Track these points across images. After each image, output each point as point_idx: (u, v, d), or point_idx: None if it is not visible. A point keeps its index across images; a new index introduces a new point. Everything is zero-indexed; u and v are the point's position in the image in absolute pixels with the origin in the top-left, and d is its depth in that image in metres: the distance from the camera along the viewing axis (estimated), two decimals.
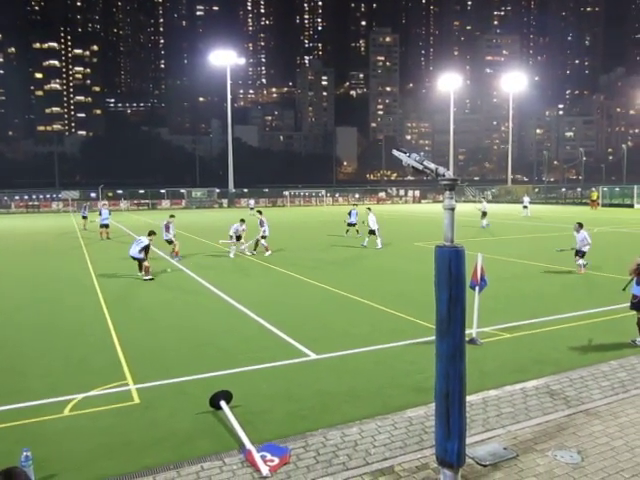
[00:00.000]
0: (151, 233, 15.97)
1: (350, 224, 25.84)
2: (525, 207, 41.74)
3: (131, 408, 6.53)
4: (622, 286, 9.07)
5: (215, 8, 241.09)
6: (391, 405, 6.43)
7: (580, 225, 15.83)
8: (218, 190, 70.23)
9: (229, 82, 66.46)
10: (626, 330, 9.10)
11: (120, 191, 68.66)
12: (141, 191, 68.71)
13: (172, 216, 21.37)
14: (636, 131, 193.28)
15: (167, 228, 19.99)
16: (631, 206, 54.39)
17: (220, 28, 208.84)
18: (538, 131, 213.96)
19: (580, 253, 15.70)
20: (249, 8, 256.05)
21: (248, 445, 5.37)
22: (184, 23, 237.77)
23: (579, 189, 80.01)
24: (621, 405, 6.31)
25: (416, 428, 5.79)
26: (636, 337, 8.74)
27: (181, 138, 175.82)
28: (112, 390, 7.04)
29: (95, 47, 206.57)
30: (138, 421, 6.17)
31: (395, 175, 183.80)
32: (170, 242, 19.87)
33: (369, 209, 22.65)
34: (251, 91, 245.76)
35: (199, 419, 6.17)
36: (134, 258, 15.35)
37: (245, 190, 72.51)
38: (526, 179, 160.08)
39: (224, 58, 65.80)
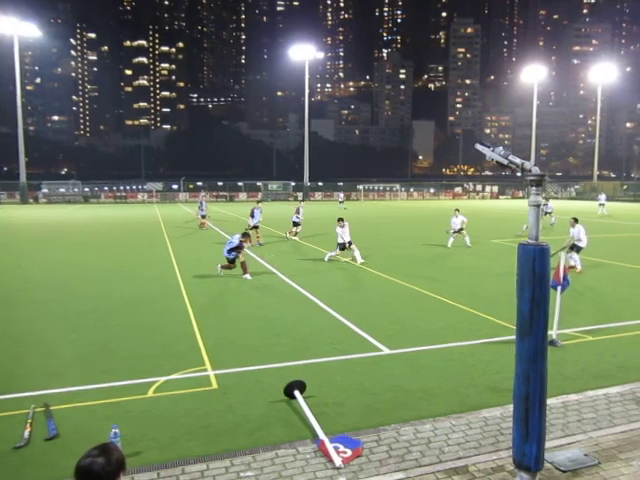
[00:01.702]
0: (245, 235, 15.09)
1: (295, 224, 23.83)
2: (601, 205, 40.10)
3: (209, 393, 6.78)
4: None
5: (295, 3, 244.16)
6: (466, 404, 6.36)
7: (575, 220, 15.87)
8: (293, 183, 71.30)
9: (307, 76, 67.11)
10: None
11: (200, 183, 71.15)
12: (220, 183, 70.91)
13: (259, 201, 22.48)
14: None
15: (253, 214, 21.00)
16: None
17: (300, 23, 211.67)
18: (628, 125, 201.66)
19: (576, 248, 15.37)
20: (329, 2, 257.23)
21: (321, 435, 5.46)
22: (265, 19, 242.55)
23: None
24: None
25: (491, 429, 5.70)
26: None
27: (259, 132, 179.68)
28: (192, 375, 7.34)
29: (180, 44, 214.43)
30: (216, 406, 6.39)
31: (472, 170, 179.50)
32: (256, 227, 20.82)
33: (457, 210, 21.61)
34: (328, 85, 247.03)
35: (274, 407, 6.32)
36: (227, 258, 14.62)
37: (320, 184, 73.13)
38: (614, 175, 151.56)
39: (303, 53, 66.51)
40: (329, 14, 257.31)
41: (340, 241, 17.09)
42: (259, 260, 17.45)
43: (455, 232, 21.05)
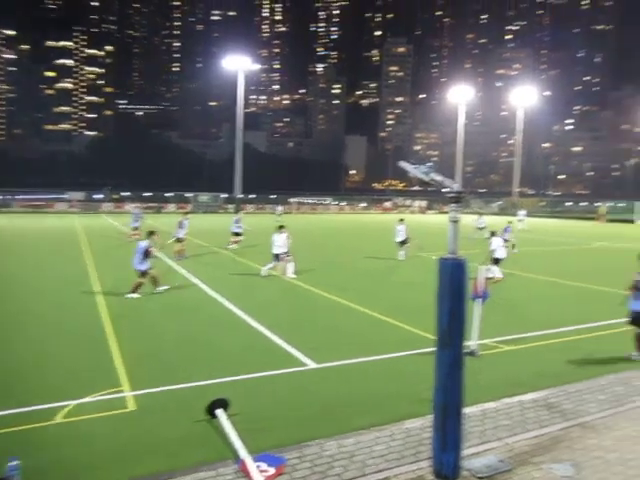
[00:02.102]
0: (151, 233, 14.03)
1: (236, 234, 24.30)
2: (521, 220, 42.10)
3: (127, 415, 6.47)
4: (620, 301, 9.15)
5: (231, 13, 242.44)
6: (391, 416, 6.47)
7: (492, 233, 17.21)
8: (225, 195, 70.25)
9: (241, 87, 66.86)
10: (624, 344, 9.16)
11: (126, 193, 68.76)
12: (147, 194, 68.80)
13: (187, 213, 22.04)
14: None
15: (181, 225, 20.49)
16: (631, 221, 54.45)
17: (235, 33, 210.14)
18: (546, 145, 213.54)
19: (494, 260, 16.46)
20: (265, 14, 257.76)
21: (243, 455, 5.33)
22: (200, 27, 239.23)
23: (585, 203, 79.90)
24: (616, 419, 6.38)
25: (414, 439, 5.83)
26: (632, 352, 8.83)
27: (191, 142, 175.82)
28: (107, 397, 6.96)
29: (109, 47, 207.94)
30: (133, 429, 6.11)
31: (402, 185, 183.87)
32: (180, 240, 20.27)
33: (402, 220, 21.98)
34: (263, 97, 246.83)
35: (195, 427, 6.14)
36: (139, 272, 13.40)
37: (252, 196, 72.65)
38: (532, 192, 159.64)
39: (238, 63, 66.21)
40: (265, 26, 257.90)
41: (275, 251, 16.40)
42: (183, 272, 17.12)
43: (402, 243, 21.16)
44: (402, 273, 18.31)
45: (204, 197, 69.88)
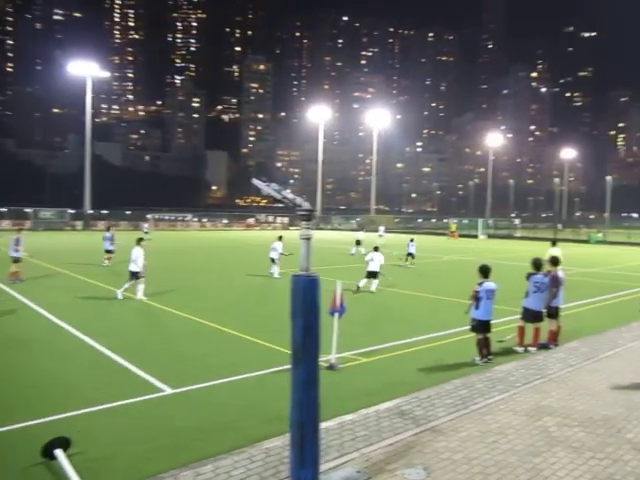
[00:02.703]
0: None
1: (109, 251, 23.91)
2: (380, 236, 44.40)
3: None
4: (465, 310, 9.90)
5: (77, 14, 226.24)
6: (250, 437, 6.30)
7: (375, 248, 18.27)
8: (72, 211, 65.17)
9: (89, 95, 63.18)
10: (468, 350, 9.88)
11: None
12: None
13: (21, 230, 19.97)
14: (482, 170, 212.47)
15: (17, 242, 18.40)
16: (476, 237, 59.84)
17: (82, 36, 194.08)
18: (399, 165, 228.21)
19: (371, 273, 17.64)
20: (116, 19, 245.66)
21: None
22: (38, 26, 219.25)
23: (434, 220, 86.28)
24: (461, 421, 6.80)
25: (273, 459, 5.73)
26: (475, 357, 9.57)
27: (30, 152, 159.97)
28: None
29: None
30: None
31: (265, 201, 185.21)
32: (17, 260, 18.32)
33: (280, 237, 21.93)
34: (115, 106, 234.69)
35: (29, 473, 5.47)
36: None
37: (104, 211, 68.55)
38: (388, 209, 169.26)
39: (85, 69, 62.32)
40: (117, 32, 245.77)
41: (133, 269, 15.30)
42: (18, 297, 15.50)
43: (279, 257, 21.02)
44: (272, 290, 18.27)
45: (47, 213, 63.48)
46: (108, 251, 23.75)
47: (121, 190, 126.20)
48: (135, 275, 15.32)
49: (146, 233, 44.71)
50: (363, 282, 17.74)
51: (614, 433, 6.48)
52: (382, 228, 46.53)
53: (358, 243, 31.73)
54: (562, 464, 5.65)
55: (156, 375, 8.59)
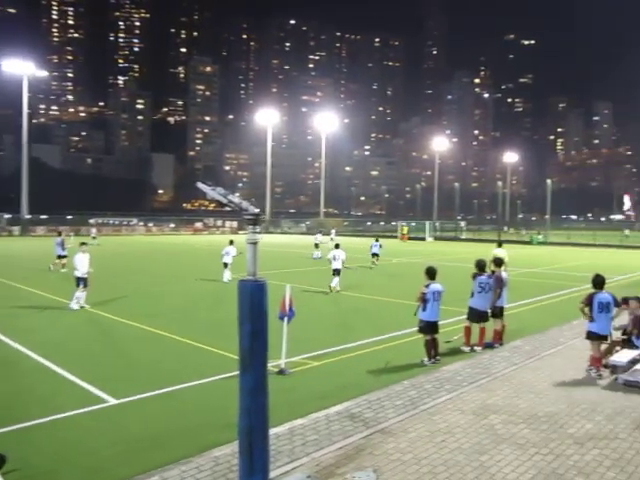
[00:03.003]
0: None
1: (62, 256, 23.61)
2: (332, 239, 44.75)
3: None
4: (413, 311, 10.02)
5: (11, 10, 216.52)
6: (199, 446, 6.18)
7: (337, 246, 18.88)
8: (8, 216, 62.38)
9: (26, 95, 60.75)
10: (416, 351, 10.01)
11: None
12: None
13: None
14: (428, 173, 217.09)
15: None
16: (424, 239, 60.97)
17: (17, 33, 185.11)
18: (348, 169, 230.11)
19: (334, 271, 18.34)
20: (55, 17, 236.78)
21: None
22: None
23: (382, 223, 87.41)
24: (411, 421, 6.88)
25: (222, 468, 5.62)
26: (424, 357, 9.71)
27: None
28: None
29: None
30: None
31: (213, 205, 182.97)
32: None
33: (231, 241, 21.55)
34: (55, 107, 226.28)
35: None
36: None
37: (44, 216, 65.95)
38: (337, 212, 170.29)
39: (21, 68, 59.80)
40: (55, 30, 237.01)
41: (78, 274, 14.54)
42: None
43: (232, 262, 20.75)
44: (222, 295, 17.98)
45: None
46: (60, 256, 23.48)
47: (61, 194, 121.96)
48: (82, 281, 14.66)
49: (94, 238, 43.53)
50: (335, 281, 18.29)
51: (557, 429, 6.69)
52: (333, 231, 46.99)
53: (317, 247, 32.11)
54: (508, 461, 5.78)
55: (102, 385, 8.32)
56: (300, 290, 17.02)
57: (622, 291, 12.79)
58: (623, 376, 8.51)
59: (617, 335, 10.09)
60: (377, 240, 27.77)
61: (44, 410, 7.27)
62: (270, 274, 17.78)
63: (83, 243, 15.53)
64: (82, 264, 14.71)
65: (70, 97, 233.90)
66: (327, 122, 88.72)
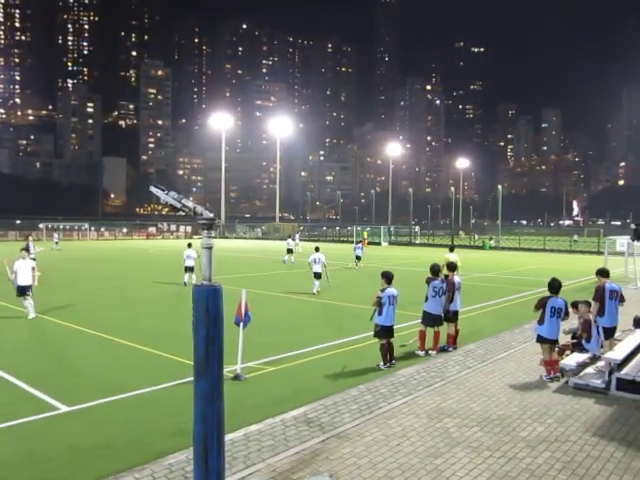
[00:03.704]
0: None
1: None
2: (296, 244, 44.87)
3: None
4: (369, 316, 10.10)
5: None
6: (152, 453, 6.08)
7: (316, 249, 19.59)
8: None
9: None
10: (372, 355, 10.09)
11: None
12: None
13: None
14: (382, 178, 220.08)
15: None
16: (379, 244, 61.55)
17: None
18: (303, 174, 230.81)
19: (315, 275, 18.90)
20: (0, 19, 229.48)
21: None
22: None
23: (338, 228, 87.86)
24: (367, 425, 6.92)
25: (177, 475, 5.55)
26: (379, 362, 9.79)
27: None
28: None
29: None
30: None
31: (167, 210, 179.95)
32: None
33: (189, 245, 21.54)
34: (1, 110, 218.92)
35: None
36: None
37: None
38: (293, 217, 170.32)
39: None
40: (1, 32, 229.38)
41: (22, 283, 13.63)
42: None
43: (191, 269, 20.55)
44: (176, 300, 17.68)
45: None
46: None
47: (9, 198, 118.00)
48: (24, 290, 13.89)
49: (56, 244, 42.39)
50: (317, 284, 18.68)
51: (510, 432, 6.83)
52: (297, 236, 47.14)
53: (290, 252, 32.39)
54: (462, 464, 5.88)
55: (52, 393, 8.09)
56: (257, 295, 16.91)
57: (572, 295, 13.23)
58: (573, 379, 8.73)
59: (567, 339, 10.40)
60: (359, 242, 29.27)
61: None
62: (226, 279, 17.62)
63: (23, 249, 14.66)
64: (22, 271, 13.82)
65: (18, 100, 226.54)
66: (281, 127, 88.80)
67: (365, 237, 61.86)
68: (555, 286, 9.15)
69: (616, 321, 9.89)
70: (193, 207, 4.18)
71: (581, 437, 6.69)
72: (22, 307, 14.35)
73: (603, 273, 10.12)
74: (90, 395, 8.07)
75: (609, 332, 9.75)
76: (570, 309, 9.55)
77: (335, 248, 50.59)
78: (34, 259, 21.98)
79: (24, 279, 13.83)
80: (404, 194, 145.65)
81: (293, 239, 36.29)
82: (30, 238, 25.18)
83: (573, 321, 10.18)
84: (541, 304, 9.11)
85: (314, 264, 18.92)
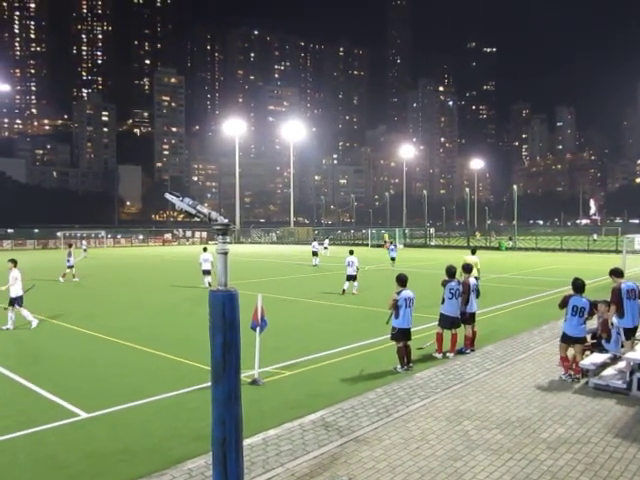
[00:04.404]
0: None
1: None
2: (325, 248, 45.09)
3: None
4: (386, 319, 10.05)
5: None
6: (171, 458, 6.11)
7: (205, 249, 20.50)
8: None
9: None
10: (389, 359, 10.04)
11: None
12: None
13: None
14: (396, 181, 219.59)
15: None
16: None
17: None
18: (316, 178, 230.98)
19: (349, 277, 19.80)
20: (16, 31, 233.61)
21: None
22: None
23: (352, 231, 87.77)
24: (385, 429, 6.88)
25: (196, 479, 5.59)
26: (397, 365, 9.74)
27: None
28: None
29: None
30: None
31: (182, 216, 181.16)
32: None
33: (205, 249, 22.10)
34: (18, 121, 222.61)
35: None
36: None
37: (10, 230, 64.64)
38: (307, 221, 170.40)
39: None
40: (17, 44, 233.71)
41: (13, 294, 13.39)
42: None
43: (208, 272, 21.02)
44: (197, 305, 17.74)
45: None
46: (70, 267, 25.66)
47: (27, 208, 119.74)
48: (16, 301, 13.56)
49: (84, 251, 43.08)
50: (346, 285, 19.67)
51: (530, 434, 6.74)
52: (327, 241, 47.65)
53: (315, 254, 32.93)
54: (482, 467, 5.81)
55: (72, 399, 8.16)
56: (273, 299, 16.92)
57: (591, 295, 13.03)
58: (593, 380, 8.62)
59: (587, 339, 10.26)
60: (392, 243, 30.80)
61: (14, 425, 7.11)
62: (242, 284, 17.71)
63: (12, 260, 13.87)
64: (15, 282, 13.51)
65: (34, 110, 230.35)
66: (294, 131, 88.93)
67: (387, 240, 61.76)
68: (578, 285, 9.16)
69: (637, 320, 9.72)
70: (208, 213, 4.20)
71: (603, 438, 6.59)
72: (39, 315, 14.53)
73: (617, 273, 9.94)
74: (109, 401, 8.13)
75: (630, 332, 9.59)
76: None
77: (360, 251, 50.47)
78: (72, 266, 25.43)
79: (17, 290, 13.61)
80: (418, 196, 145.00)
81: (321, 243, 36.72)
82: (72, 247, 27.29)
83: (592, 321, 10.03)
84: (564, 302, 9.13)
85: (348, 267, 19.83)
